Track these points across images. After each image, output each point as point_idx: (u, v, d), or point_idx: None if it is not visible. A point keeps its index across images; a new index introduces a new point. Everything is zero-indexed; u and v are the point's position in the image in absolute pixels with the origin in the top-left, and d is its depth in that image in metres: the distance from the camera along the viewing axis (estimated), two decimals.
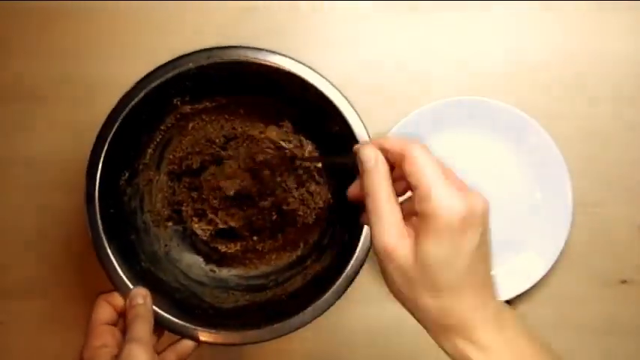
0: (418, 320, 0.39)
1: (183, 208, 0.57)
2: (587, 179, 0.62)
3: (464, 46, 0.64)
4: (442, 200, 0.35)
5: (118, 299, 0.48)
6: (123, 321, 0.48)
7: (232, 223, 0.57)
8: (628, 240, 0.62)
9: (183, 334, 0.49)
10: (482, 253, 0.37)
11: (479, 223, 0.36)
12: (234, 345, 0.49)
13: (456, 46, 0.64)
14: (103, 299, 0.48)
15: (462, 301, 0.37)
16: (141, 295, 0.48)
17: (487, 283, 0.39)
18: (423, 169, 0.36)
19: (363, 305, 0.62)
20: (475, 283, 0.37)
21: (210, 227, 0.57)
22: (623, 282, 0.62)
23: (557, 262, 0.60)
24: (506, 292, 0.60)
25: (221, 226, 0.56)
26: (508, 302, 0.61)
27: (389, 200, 0.37)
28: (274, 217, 0.56)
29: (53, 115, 0.64)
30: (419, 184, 0.36)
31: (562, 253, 0.60)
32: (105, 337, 0.45)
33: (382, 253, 0.37)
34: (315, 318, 0.49)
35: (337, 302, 0.49)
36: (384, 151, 0.38)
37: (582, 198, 0.62)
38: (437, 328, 0.38)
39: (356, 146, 0.39)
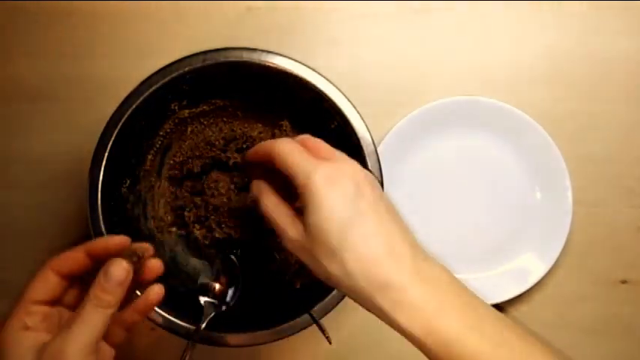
0: (348, 294, 0.39)
1: (186, 213, 0.57)
2: (587, 179, 0.62)
3: (464, 46, 0.64)
4: (303, 170, 0.38)
5: (72, 262, 0.39)
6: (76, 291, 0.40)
7: (232, 233, 0.56)
8: (628, 240, 0.62)
9: (192, 338, 0.48)
10: (366, 203, 0.38)
11: (347, 177, 0.38)
12: (241, 346, 0.49)
13: (456, 45, 0.64)
14: (50, 268, 0.39)
15: (359, 256, 0.37)
16: (124, 269, 0.37)
17: (389, 234, 0.38)
18: (286, 161, 0.40)
19: None
20: (366, 234, 0.37)
21: (210, 235, 0.57)
22: (623, 282, 0.62)
23: (557, 262, 0.60)
24: (506, 292, 0.60)
25: (218, 235, 0.56)
26: (508, 302, 0.61)
27: (276, 209, 0.41)
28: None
29: (53, 115, 0.64)
30: (291, 173, 0.39)
31: (562, 253, 0.60)
32: (31, 317, 0.37)
33: (290, 246, 0.40)
34: (321, 317, 0.49)
35: (342, 301, 0.49)
36: (260, 157, 0.43)
37: (582, 198, 0.62)
38: (356, 295, 0.38)
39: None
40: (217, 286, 0.52)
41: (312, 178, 0.38)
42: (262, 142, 0.43)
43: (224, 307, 0.51)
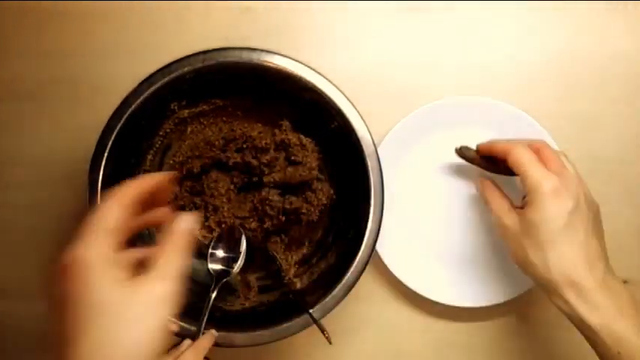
0: (534, 280, 0.50)
1: None
2: (587, 179, 0.62)
3: (464, 46, 0.64)
4: (536, 178, 0.48)
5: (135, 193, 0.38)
6: None
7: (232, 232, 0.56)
8: (628, 240, 0.62)
9: (192, 338, 0.48)
10: (580, 221, 0.48)
11: (569, 194, 0.48)
12: (241, 347, 0.49)
13: (456, 46, 0.64)
14: (116, 201, 0.37)
15: (562, 256, 0.47)
16: (190, 221, 0.39)
17: (592, 249, 0.48)
18: (520, 165, 0.50)
19: (368, 303, 0.62)
20: (573, 243, 0.47)
21: (211, 235, 0.57)
22: (624, 282, 0.62)
23: None
24: (506, 292, 0.60)
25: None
26: (509, 302, 0.61)
27: (495, 195, 0.54)
28: (281, 219, 0.56)
29: (53, 115, 0.64)
30: (522, 175, 0.49)
31: None
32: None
33: (501, 231, 0.52)
34: (322, 317, 0.49)
35: (342, 301, 0.49)
36: (494, 152, 0.54)
37: None
38: (547, 285, 0.48)
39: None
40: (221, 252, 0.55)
41: (542, 187, 0.48)
42: (497, 142, 0.54)
43: (231, 274, 0.54)
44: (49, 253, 0.63)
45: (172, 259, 0.37)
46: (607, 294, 0.47)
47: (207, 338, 0.48)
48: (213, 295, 0.51)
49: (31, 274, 0.63)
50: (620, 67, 0.63)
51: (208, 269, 0.54)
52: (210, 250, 0.55)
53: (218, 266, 0.54)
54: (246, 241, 0.55)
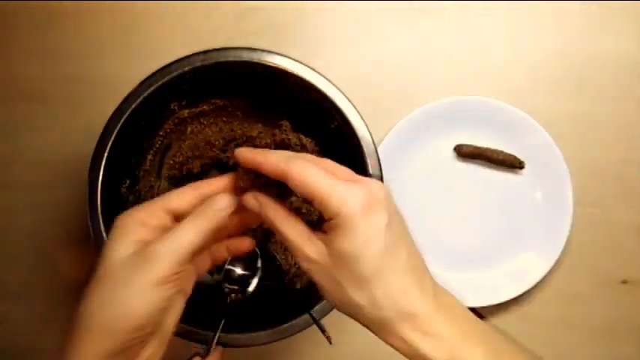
0: (363, 322, 0.38)
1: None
2: (587, 179, 0.62)
3: (464, 46, 0.64)
4: (336, 195, 0.36)
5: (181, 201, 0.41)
6: None
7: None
8: (628, 240, 0.62)
9: (191, 338, 0.48)
10: (398, 234, 0.37)
11: (381, 205, 0.37)
12: (241, 347, 0.49)
13: (456, 45, 0.64)
14: (191, 188, 0.41)
15: (391, 287, 0.36)
16: (226, 202, 0.40)
17: (416, 267, 0.38)
18: (311, 185, 0.36)
19: None
20: (398, 266, 0.37)
21: None
22: (624, 282, 0.62)
23: (557, 262, 0.60)
24: (506, 292, 0.60)
25: None
26: (509, 302, 0.61)
27: (284, 217, 0.39)
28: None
29: (53, 115, 0.64)
30: (317, 198, 0.36)
31: (562, 253, 0.60)
32: (151, 219, 0.39)
33: (306, 266, 0.39)
34: (322, 317, 0.49)
35: None
36: (263, 170, 0.39)
37: (582, 198, 0.62)
38: (378, 325, 0.37)
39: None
40: (238, 270, 0.54)
41: (346, 204, 0.36)
42: (266, 155, 0.39)
43: (246, 294, 0.53)
44: (49, 253, 0.63)
45: (183, 234, 0.37)
46: (445, 315, 0.37)
47: (216, 356, 0.48)
48: (222, 322, 0.50)
49: (31, 274, 0.63)
50: (620, 67, 0.63)
51: (221, 287, 0.53)
52: (225, 266, 0.53)
53: (231, 285, 0.54)
54: None
